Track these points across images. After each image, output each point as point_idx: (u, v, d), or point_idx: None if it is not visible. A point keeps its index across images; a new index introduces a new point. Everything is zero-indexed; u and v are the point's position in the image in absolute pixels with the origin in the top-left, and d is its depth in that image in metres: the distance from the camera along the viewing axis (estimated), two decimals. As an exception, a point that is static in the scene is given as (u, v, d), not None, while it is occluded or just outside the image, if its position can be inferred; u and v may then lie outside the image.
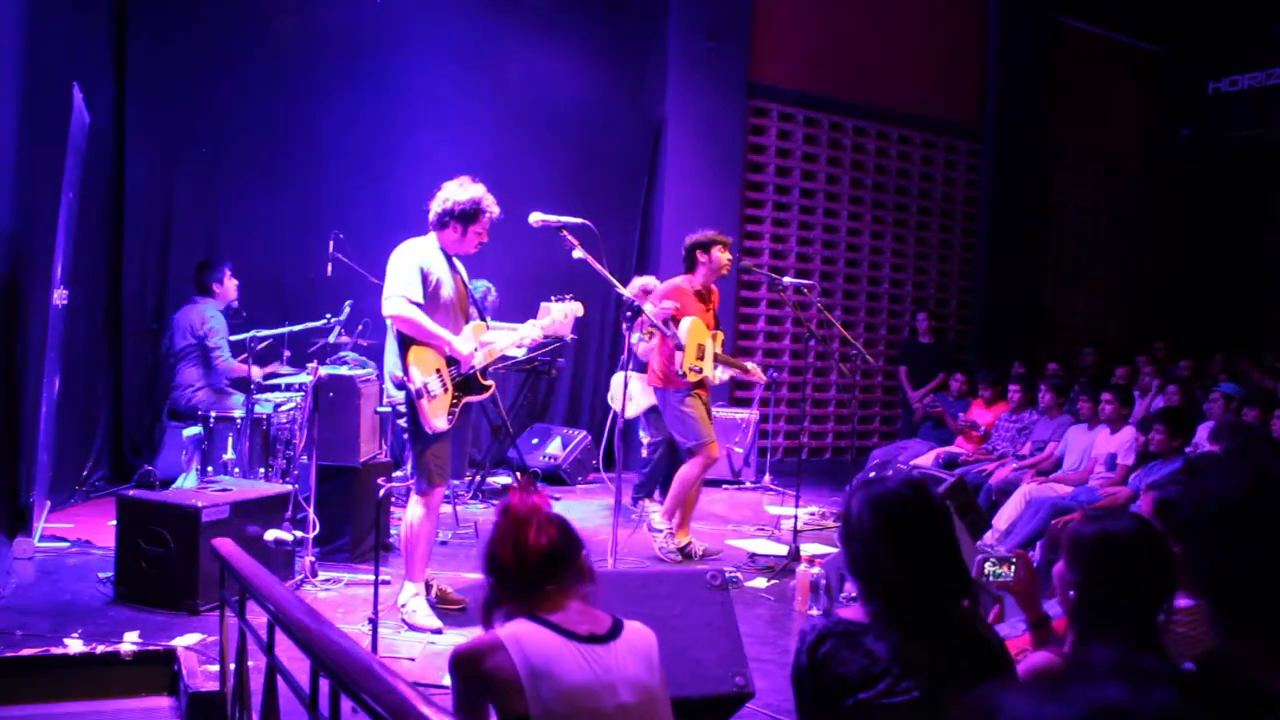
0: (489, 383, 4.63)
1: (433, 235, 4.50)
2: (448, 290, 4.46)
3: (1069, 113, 11.10)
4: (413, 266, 4.35)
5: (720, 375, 6.03)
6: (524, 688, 1.87)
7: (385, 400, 4.84)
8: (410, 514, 4.44)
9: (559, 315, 4.82)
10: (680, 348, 5.57)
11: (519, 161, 7.89)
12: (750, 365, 6.38)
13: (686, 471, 5.77)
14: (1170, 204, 11.96)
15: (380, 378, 5.61)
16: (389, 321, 4.42)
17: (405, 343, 4.34)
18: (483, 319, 4.80)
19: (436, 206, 4.46)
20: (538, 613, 2.00)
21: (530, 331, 4.79)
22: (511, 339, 4.84)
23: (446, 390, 4.40)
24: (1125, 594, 2.06)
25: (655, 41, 8.81)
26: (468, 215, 4.41)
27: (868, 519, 2.04)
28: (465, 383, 4.49)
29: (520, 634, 1.95)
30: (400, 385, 4.32)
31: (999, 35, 10.56)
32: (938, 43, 10.19)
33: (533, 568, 2.03)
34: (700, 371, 5.72)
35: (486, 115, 8.06)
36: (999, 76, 10.56)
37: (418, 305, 4.32)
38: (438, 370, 4.37)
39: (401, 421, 4.41)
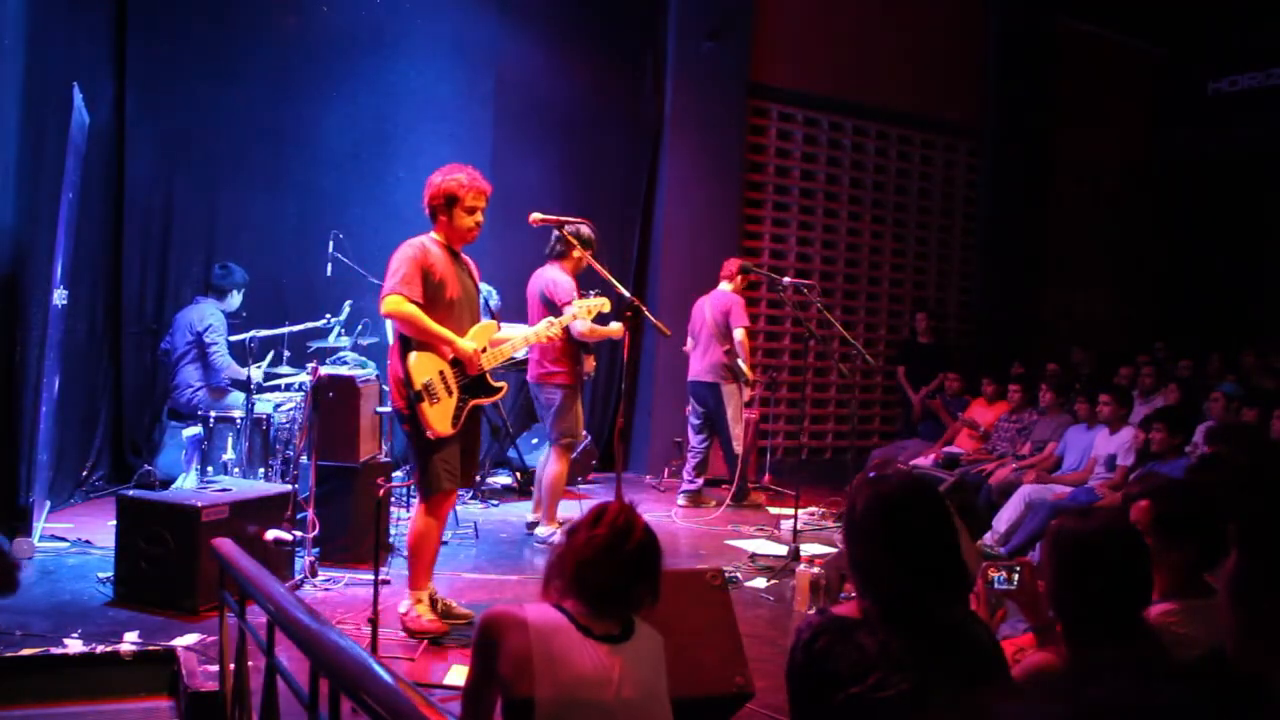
0: (500, 384, 4.43)
1: (435, 233, 4.36)
2: (452, 289, 4.25)
3: (1069, 113, 11.09)
4: (414, 264, 4.16)
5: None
6: (535, 668, 2.04)
7: (389, 402, 4.62)
8: (417, 522, 4.28)
9: (579, 313, 4.76)
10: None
11: (519, 162, 7.88)
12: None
13: (557, 469, 5.89)
14: (1170, 204, 11.95)
15: (381, 378, 5.60)
16: (388, 322, 4.29)
17: (406, 344, 4.17)
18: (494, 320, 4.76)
19: (425, 202, 4.34)
20: (571, 611, 2.18)
21: (546, 330, 4.70)
22: (526, 337, 4.72)
23: (451, 394, 4.21)
24: (1096, 590, 2.07)
25: (655, 41, 8.81)
26: (449, 200, 4.26)
27: (872, 517, 2.04)
28: (473, 385, 4.30)
29: (544, 619, 2.14)
30: (401, 388, 4.14)
31: (999, 35, 10.56)
32: (938, 43, 10.19)
33: (609, 590, 2.20)
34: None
35: (486, 115, 8.06)
36: (999, 76, 10.56)
37: (417, 304, 4.14)
38: (441, 373, 4.19)
39: (406, 426, 4.20)
